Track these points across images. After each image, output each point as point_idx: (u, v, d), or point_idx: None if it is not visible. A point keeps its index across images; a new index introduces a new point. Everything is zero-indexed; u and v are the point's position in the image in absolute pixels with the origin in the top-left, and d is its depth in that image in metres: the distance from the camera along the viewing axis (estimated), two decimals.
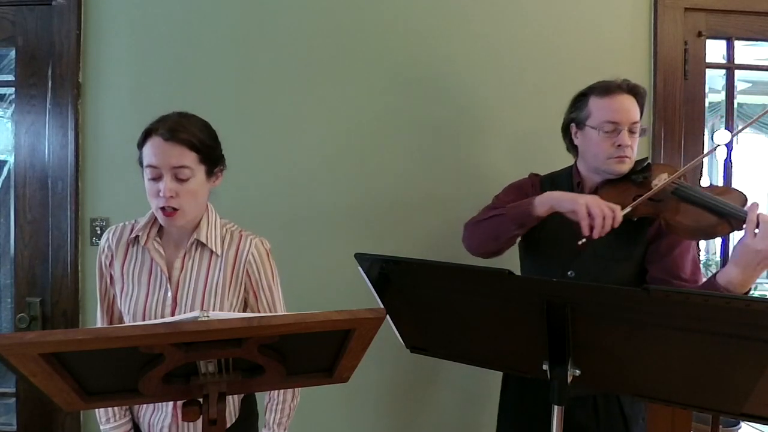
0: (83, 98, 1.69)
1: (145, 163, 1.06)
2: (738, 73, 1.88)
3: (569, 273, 1.23)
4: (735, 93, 1.89)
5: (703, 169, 1.78)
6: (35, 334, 0.65)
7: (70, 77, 1.67)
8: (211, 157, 1.10)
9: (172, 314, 1.09)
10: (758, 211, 1.00)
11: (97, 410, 1.15)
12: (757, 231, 0.99)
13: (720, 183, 1.75)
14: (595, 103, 1.23)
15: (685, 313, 0.72)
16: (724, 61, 1.86)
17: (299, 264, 1.68)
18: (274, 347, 0.78)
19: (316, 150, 1.71)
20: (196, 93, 1.70)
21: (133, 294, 1.11)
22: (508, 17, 1.74)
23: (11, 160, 1.73)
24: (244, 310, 1.18)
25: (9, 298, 1.74)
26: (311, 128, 1.71)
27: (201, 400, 0.80)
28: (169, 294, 1.10)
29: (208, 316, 0.75)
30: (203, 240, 1.12)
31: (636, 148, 1.23)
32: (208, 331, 0.68)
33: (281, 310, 1.20)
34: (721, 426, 1.85)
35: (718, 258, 1.96)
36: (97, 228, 1.69)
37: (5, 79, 1.77)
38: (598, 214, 1.07)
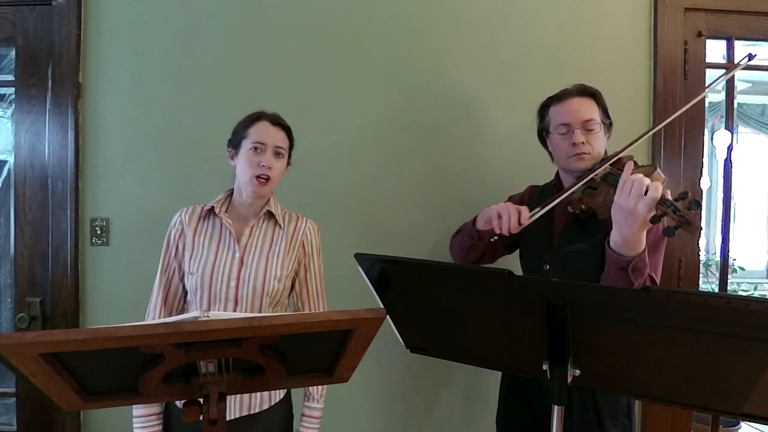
0: (83, 98, 1.69)
1: (253, 140, 1.25)
2: (738, 73, 1.87)
3: (545, 267, 1.28)
4: (735, 93, 1.89)
5: (703, 169, 1.78)
6: (35, 334, 0.65)
7: (70, 77, 1.67)
8: (292, 149, 1.34)
9: (238, 273, 1.24)
10: (631, 174, 1.04)
11: None
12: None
13: (720, 183, 1.75)
14: (552, 111, 1.32)
15: (685, 313, 0.72)
16: (724, 61, 1.86)
17: None
18: (274, 347, 0.78)
19: (316, 151, 1.71)
20: (196, 93, 1.70)
21: (202, 256, 1.25)
22: (508, 18, 1.74)
23: (11, 160, 1.73)
24: (294, 279, 1.34)
25: (9, 298, 1.74)
26: (311, 129, 1.70)
27: (201, 400, 0.80)
28: (237, 255, 1.25)
29: (208, 316, 0.75)
30: (273, 211, 1.31)
31: (597, 145, 1.25)
32: (208, 331, 0.68)
33: (320, 284, 1.38)
34: (721, 426, 1.85)
35: (718, 258, 1.96)
36: (97, 228, 1.68)
37: (5, 79, 1.77)
38: (504, 214, 1.21)
